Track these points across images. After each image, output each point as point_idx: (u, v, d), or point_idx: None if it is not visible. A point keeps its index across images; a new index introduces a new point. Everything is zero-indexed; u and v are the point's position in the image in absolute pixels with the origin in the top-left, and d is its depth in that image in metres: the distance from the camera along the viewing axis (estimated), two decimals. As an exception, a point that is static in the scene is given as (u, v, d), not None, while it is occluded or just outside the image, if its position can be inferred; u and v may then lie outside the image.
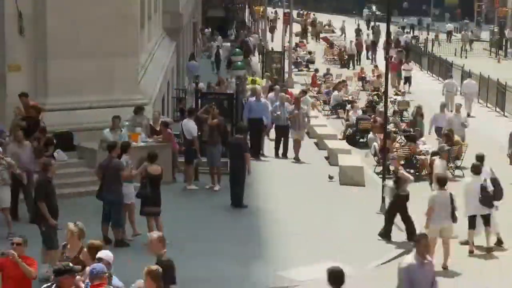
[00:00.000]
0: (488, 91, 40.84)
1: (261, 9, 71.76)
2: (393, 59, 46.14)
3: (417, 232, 16.73)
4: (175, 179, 23.58)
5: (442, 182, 17.74)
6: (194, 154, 23.21)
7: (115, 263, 11.73)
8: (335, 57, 59.10)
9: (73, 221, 17.37)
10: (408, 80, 45.97)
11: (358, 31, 68.49)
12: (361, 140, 31.63)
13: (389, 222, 19.09)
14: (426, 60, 55.29)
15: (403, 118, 35.90)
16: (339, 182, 24.55)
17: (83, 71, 23.61)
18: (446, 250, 17.36)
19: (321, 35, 73.23)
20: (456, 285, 16.62)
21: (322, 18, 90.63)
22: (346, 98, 38.17)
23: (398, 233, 19.62)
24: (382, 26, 53.47)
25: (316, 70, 47.60)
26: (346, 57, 57.75)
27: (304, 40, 68.66)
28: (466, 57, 59.87)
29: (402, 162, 25.50)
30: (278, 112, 27.59)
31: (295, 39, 61.68)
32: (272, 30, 71.87)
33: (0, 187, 18.08)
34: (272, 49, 53.00)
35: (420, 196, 21.35)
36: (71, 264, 10.98)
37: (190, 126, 23.26)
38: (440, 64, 51.31)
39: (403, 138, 28.53)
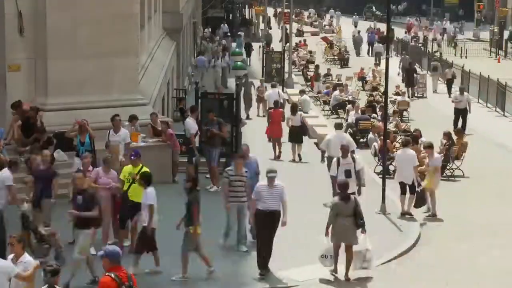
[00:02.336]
0: (488, 91, 40.85)
1: (262, 9, 71.90)
2: None
3: None
4: (175, 180, 23.58)
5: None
6: (192, 152, 23.23)
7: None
8: (335, 57, 59.19)
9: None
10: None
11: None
12: (361, 140, 31.65)
13: None
14: (426, 60, 55.25)
15: (403, 118, 35.92)
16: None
17: (83, 71, 23.60)
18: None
19: (321, 35, 73.30)
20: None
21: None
22: (346, 98, 38.19)
23: (398, 234, 19.66)
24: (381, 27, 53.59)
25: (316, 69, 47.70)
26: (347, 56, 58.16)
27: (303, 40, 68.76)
28: (466, 57, 59.86)
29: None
30: None
31: (295, 39, 61.83)
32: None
33: None
34: (272, 49, 53.02)
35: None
36: (58, 263, 11.51)
37: (189, 124, 23.32)
38: (441, 65, 51.34)
39: (403, 138, 28.49)
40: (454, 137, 27.05)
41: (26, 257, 12.50)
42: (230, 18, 79.04)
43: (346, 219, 16.31)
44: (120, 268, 10.66)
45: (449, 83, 44.75)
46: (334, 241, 16.37)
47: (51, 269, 11.03)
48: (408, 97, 40.22)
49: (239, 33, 65.02)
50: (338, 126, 24.49)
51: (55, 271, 11.02)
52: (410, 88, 43.90)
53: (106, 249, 10.77)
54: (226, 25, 72.23)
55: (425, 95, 44.63)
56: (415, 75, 45.19)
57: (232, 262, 17.36)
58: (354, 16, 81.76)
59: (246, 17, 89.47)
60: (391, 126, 29.94)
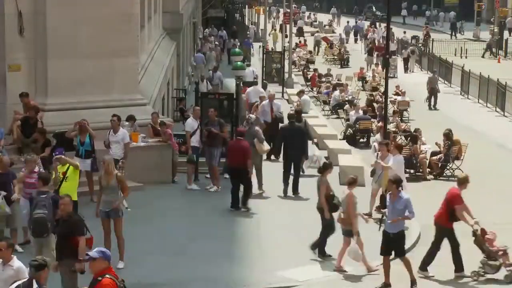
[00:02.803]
0: (488, 91, 40.84)
1: (262, 9, 71.78)
2: None
3: None
4: (175, 181, 23.56)
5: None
6: (192, 151, 23.22)
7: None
8: (335, 57, 59.20)
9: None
10: None
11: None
12: (361, 140, 31.63)
13: None
14: (426, 60, 55.23)
15: (403, 118, 35.91)
16: (339, 182, 24.51)
17: (83, 71, 23.60)
18: None
19: (321, 35, 73.23)
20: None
21: (322, 18, 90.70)
22: (346, 98, 38.18)
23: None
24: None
25: (316, 70, 47.71)
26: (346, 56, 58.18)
27: (302, 40, 68.65)
28: (466, 57, 59.83)
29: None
30: None
31: (295, 39, 61.80)
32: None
33: None
34: (272, 49, 53.01)
35: (420, 195, 21.41)
36: (46, 259, 11.26)
37: (187, 122, 23.36)
38: (440, 64, 51.33)
39: (403, 138, 28.49)
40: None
41: (15, 262, 11.99)
42: (230, 18, 78.87)
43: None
44: (111, 268, 10.80)
45: (406, 61, 53.23)
46: None
47: (35, 264, 11.02)
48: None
49: (245, 40, 63.54)
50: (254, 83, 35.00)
51: (40, 265, 10.95)
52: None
53: (99, 251, 10.84)
54: (224, 31, 67.46)
55: (396, 76, 49.80)
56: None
57: (234, 264, 17.37)
58: (357, 24, 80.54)
59: (247, 17, 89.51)
60: (391, 126, 29.94)
